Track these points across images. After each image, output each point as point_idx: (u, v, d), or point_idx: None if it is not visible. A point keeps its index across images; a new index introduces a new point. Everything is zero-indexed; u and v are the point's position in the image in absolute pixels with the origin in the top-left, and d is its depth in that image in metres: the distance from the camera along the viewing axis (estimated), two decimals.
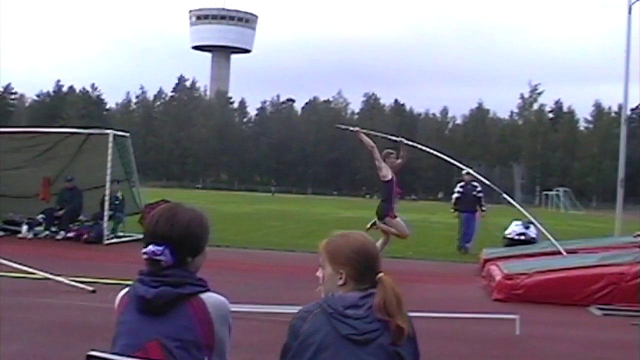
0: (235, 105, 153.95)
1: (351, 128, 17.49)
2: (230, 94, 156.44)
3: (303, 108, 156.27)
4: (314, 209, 53.30)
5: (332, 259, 3.26)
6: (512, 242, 21.01)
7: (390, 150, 16.16)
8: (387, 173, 15.65)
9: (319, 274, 3.32)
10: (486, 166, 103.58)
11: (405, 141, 16.66)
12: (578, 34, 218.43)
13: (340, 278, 3.22)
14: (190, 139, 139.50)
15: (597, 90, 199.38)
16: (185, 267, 3.11)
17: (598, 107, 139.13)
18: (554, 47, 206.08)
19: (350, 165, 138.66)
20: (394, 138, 17.39)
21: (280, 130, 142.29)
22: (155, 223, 3.13)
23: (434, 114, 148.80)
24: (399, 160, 16.07)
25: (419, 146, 19.00)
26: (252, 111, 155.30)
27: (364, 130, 16.55)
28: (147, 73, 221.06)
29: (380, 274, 3.21)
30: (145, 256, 3.08)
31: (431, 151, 19.46)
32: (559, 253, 16.63)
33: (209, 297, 3.08)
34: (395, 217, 16.05)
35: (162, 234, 3.09)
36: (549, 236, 17.35)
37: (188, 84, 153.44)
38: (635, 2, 21.06)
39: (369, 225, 16.03)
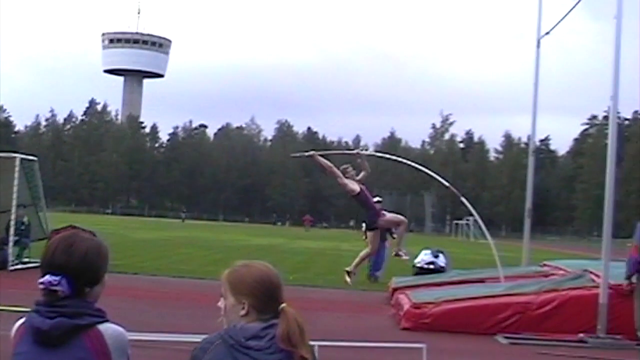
0: (147, 130, 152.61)
1: (306, 153, 17.23)
2: (142, 119, 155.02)
3: (215, 134, 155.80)
4: (225, 235, 53.05)
5: (234, 289, 3.22)
6: (421, 271, 21.13)
7: (345, 166, 15.89)
8: (353, 187, 15.24)
9: (221, 304, 3.28)
10: (398, 195, 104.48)
11: (362, 152, 16.56)
12: (490, 65, 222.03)
13: (243, 308, 3.18)
14: (101, 163, 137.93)
15: (508, 121, 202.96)
16: (83, 298, 3.03)
17: (508, 137, 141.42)
18: (466, 78, 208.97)
19: (262, 192, 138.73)
20: (349, 152, 17.33)
21: (192, 156, 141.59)
22: (52, 253, 3.05)
23: (346, 142, 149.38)
24: (362, 173, 15.69)
25: (377, 154, 19.10)
26: (164, 136, 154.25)
27: (320, 153, 16.32)
28: (58, 96, 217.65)
29: (283, 304, 3.18)
30: (41, 286, 3.00)
31: (392, 157, 19.75)
32: (467, 282, 16.80)
33: (107, 328, 3.01)
34: (384, 215, 15.93)
35: (59, 264, 3.01)
36: (498, 262, 17.44)
37: (99, 107, 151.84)
38: (543, 36, 21.45)
39: (398, 252, 16.04)
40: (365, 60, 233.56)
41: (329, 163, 15.44)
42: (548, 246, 61.23)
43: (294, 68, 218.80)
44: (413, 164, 19.71)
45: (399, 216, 16.47)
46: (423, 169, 19.31)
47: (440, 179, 18.80)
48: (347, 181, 15.14)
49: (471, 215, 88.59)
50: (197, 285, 18.52)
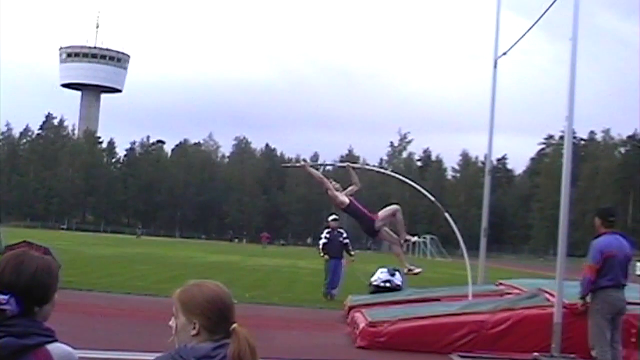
0: (104, 145, 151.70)
1: (297, 164, 17.11)
2: (99, 134, 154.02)
3: (173, 150, 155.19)
4: (181, 252, 52.77)
5: (186, 309, 3.18)
6: (377, 289, 21.12)
7: (331, 180, 15.67)
8: (343, 199, 14.95)
9: (172, 323, 3.24)
10: None
11: (352, 165, 16.39)
12: (447, 84, 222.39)
13: (194, 328, 3.15)
14: (57, 178, 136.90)
15: (465, 140, 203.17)
16: (32, 317, 2.99)
17: (465, 156, 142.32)
18: (424, 96, 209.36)
19: (220, 209, 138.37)
20: (339, 164, 17.24)
21: (149, 172, 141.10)
22: (1, 271, 3.01)
23: (304, 160, 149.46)
24: (351, 187, 15.51)
25: (367, 167, 18.97)
26: (121, 152, 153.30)
27: (311, 164, 16.17)
28: (14, 109, 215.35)
29: (235, 325, 3.15)
30: None
31: (383, 171, 19.64)
32: (423, 300, 16.81)
33: (56, 348, 2.96)
34: (378, 216, 15.69)
35: (7, 283, 2.97)
36: (470, 280, 17.45)
37: (56, 122, 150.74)
38: (500, 56, 21.58)
39: (407, 238, 15.69)
40: (324, 77, 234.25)
41: (319, 174, 15.27)
42: (504, 265, 61.66)
43: (252, 85, 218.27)
44: (403, 178, 19.72)
45: (390, 207, 16.18)
46: (412, 183, 19.35)
47: (426, 193, 18.79)
48: (337, 193, 14.91)
49: (428, 233, 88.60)
50: (151, 303, 18.36)
